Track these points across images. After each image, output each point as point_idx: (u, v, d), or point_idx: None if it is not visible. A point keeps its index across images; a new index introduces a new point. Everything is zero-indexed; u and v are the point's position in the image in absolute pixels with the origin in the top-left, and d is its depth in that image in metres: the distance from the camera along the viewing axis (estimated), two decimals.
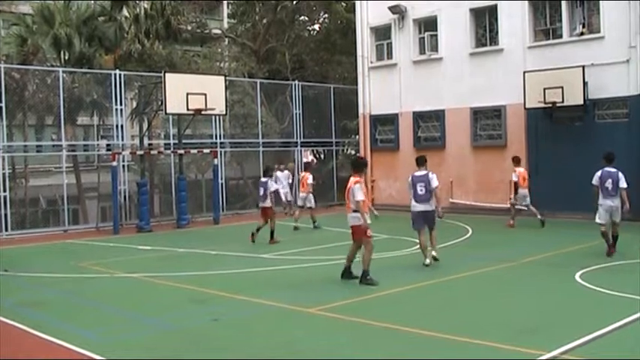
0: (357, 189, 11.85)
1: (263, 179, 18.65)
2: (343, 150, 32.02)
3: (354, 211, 11.85)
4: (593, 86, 21.35)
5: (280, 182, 22.71)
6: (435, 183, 13.54)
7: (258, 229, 17.96)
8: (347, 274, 12.26)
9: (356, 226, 11.95)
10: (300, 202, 21.78)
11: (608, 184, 14.19)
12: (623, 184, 14.08)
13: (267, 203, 18.08)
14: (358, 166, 12.47)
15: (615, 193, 14.14)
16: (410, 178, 13.92)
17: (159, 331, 9.33)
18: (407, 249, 15.80)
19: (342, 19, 34.45)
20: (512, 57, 23.53)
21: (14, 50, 28.75)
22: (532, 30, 23.40)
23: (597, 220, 14.43)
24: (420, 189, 13.59)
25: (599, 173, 14.43)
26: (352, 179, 12.05)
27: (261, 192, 18.26)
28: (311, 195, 21.49)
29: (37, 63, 27.34)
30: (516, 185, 19.97)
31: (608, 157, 14.66)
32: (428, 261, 13.55)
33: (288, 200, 23.26)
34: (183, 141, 24.04)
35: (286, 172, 23.95)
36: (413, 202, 13.75)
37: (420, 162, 13.99)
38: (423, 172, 13.75)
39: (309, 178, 21.52)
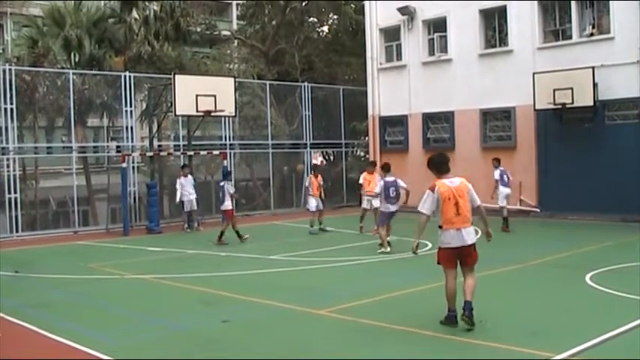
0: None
1: (221, 182, 18.88)
2: (353, 152, 32.01)
3: (472, 223, 8.94)
4: (603, 87, 21.28)
5: (184, 189, 21.78)
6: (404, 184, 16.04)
7: (237, 233, 18.37)
8: (454, 319, 8.76)
9: (474, 245, 8.87)
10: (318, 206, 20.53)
11: (505, 177, 19.57)
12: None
13: (228, 206, 18.48)
14: (444, 163, 9.18)
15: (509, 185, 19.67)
16: (382, 183, 16.04)
17: (169, 332, 9.35)
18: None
19: (351, 21, 34.43)
20: (521, 58, 23.48)
21: (25, 52, 28.88)
22: (541, 31, 23.36)
23: (502, 204, 19.19)
24: (392, 192, 15.81)
25: (499, 171, 19.51)
26: (460, 179, 9.08)
27: (221, 194, 18.64)
28: (315, 198, 20.46)
29: (48, 65, 27.42)
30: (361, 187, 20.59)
31: (498, 159, 19.97)
32: (389, 249, 15.68)
33: (193, 209, 22.24)
34: (193, 142, 24.09)
35: (190, 177, 22.18)
36: (386, 204, 15.85)
37: (387, 169, 16.47)
38: (392, 178, 16.08)
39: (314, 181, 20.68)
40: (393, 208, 15.81)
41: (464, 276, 8.81)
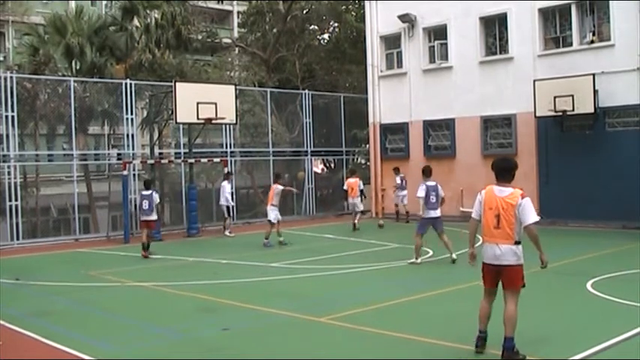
0: (530, 205, 7.79)
1: (147, 192, 18.60)
2: (353, 159, 32.02)
3: (517, 242, 7.79)
4: (603, 94, 21.29)
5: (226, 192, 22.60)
6: (442, 193, 15.29)
7: (146, 246, 17.92)
8: (480, 341, 8.03)
9: (517, 267, 7.88)
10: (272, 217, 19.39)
11: (404, 183, 24.93)
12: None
13: (154, 216, 18.47)
14: (506, 170, 8.04)
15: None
16: (424, 187, 15.04)
17: (169, 340, 9.33)
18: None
19: (351, 29, 34.51)
20: (522, 65, 23.50)
21: (26, 60, 29.04)
22: (542, 38, 23.39)
23: (404, 202, 24.76)
24: (432, 197, 14.88)
25: (399, 177, 24.47)
26: (512, 190, 7.82)
27: (146, 205, 18.36)
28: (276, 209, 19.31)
29: (49, 73, 27.51)
30: (346, 193, 23.22)
31: (397, 168, 25.35)
32: (419, 260, 14.93)
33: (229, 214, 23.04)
34: (194, 150, 24.10)
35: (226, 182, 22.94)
36: (426, 209, 14.95)
37: (427, 173, 15.38)
38: (433, 183, 15.12)
39: (275, 189, 19.40)
40: (433, 213, 14.97)
41: (504, 300, 7.86)
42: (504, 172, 7.99)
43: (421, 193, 14.99)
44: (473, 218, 8.10)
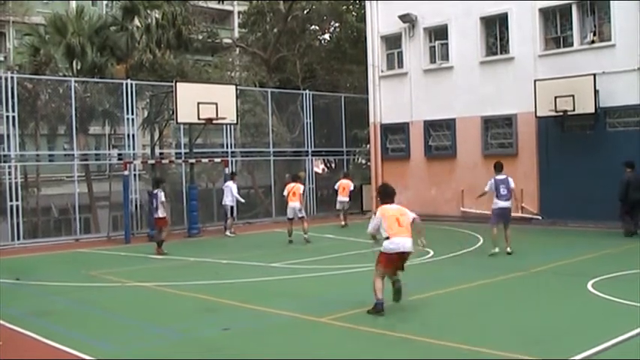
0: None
1: (154, 191, 18.80)
2: (354, 159, 32.02)
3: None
4: (604, 94, 21.28)
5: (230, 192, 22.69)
6: (513, 185, 16.20)
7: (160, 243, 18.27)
8: (381, 307, 10.17)
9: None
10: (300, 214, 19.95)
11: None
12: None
13: (162, 214, 18.57)
14: (392, 194, 10.76)
15: None
16: (492, 181, 16.02)
17: (170, 340, 9.33)
18: (418, 259, 15.71)
19: (352, 29, 34.49)
20: (522, 65, 23.49)
21: (27, 60, 29.09)
22: (543, 38, 23.38)
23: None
24: (503, 190, 15.84)
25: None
26: (398, 206, 10.60)
27: (154, 204, 18.61)
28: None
29: (50, 73, 27.54)
30: (337, 192, 24.48)
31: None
32: (497, 250, 15.73)
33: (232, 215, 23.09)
34: (194, 150, 24.10)
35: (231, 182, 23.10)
36: (495, 200, 15.89)
37: (499, 168, 16.27)
38: (503, 176, 16.05)
39: (300, 188, 20.12)
40: (501, 204, 15.80)
41: (394, 277, 10.42)
42: (391, 195, 10.63)
43: (487, 187, 16.22)
44: (369, 232, 10.59)
